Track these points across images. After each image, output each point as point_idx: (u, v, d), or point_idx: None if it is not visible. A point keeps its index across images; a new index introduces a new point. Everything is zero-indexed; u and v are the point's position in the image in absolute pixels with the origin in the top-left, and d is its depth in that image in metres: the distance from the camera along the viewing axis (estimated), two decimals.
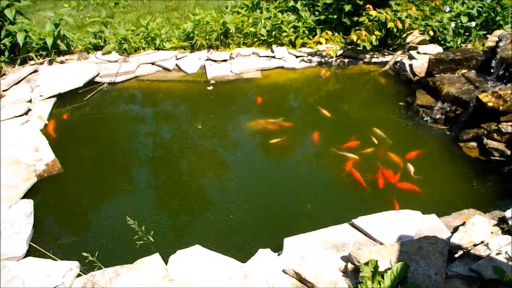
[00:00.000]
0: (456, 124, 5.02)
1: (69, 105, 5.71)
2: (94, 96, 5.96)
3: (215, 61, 6.88)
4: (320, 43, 6.84)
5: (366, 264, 2.73)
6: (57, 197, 4.12)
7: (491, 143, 4.51)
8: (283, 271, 3.02)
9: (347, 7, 6.75)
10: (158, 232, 3.48)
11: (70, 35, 6.90)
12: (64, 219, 3.94)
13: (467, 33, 6.79)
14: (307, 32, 7.26)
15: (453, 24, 6.74)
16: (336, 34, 7.06)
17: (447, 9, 6.98)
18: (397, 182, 4.18)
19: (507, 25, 6.66)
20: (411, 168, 4.38)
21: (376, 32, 6.54)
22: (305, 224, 3.62)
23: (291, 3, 7.52)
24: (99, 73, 6.35)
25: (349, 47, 7.06)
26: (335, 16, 7.09)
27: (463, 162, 4.52)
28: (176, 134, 5.23)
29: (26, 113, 5.22)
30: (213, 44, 7.20)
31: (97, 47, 7.07)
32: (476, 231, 3.09)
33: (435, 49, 6.59)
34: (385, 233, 3.28)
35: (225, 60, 6.89)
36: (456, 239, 3.03)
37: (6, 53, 6.34)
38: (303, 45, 7.22)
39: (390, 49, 7.10)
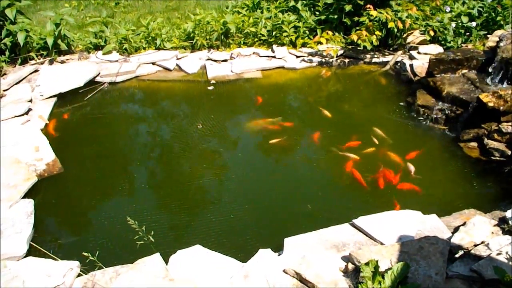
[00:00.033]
0: (456, 124, 5.01)
1: (70, 105, 5.71)
2: (94, 96, 5.96)
3: (215, 61, 6.88)
4: (320, 43, 6.84)
5: (367, 264, 2.73)
6: (58, 197, 4.12)
7: (492, 143, 4.51)
8: (284, 271, 3.02)
9: (348, 7, 6.75)
10: (159, 232, 3.48)
11: (70, 34, 6.90)
12: (64, 219, 3.94)
13: (467, 33, 6.79)
14: (307, 32, 7.26)
15: (453, 24, 6.73)
16: (336, 34, 7.05)
17: (448, 9, 6.98)
18: (398, 183, 4.17)
19: (507, 25, 6.66)
20: (411, 168, 4.38)
21: (377, 32, 6.54)
22: (305, 224, 3.62)
23: (292, 3, 7.52)
24: (99, 73, 6.35)
25: (350, 47, 7.06)
26: (335, 16, 7.09)
27: (463, 162, 4.52)
28: (176, 134, 5.23)
29: (26, 113, 5.22)
30: (214, 44, 7.20)
31: (97, 47, 7.07)
32: (477, 231, 3.09)
33: (435, 49, 6.59)
34: (385, 233, 3.28)
35: (225, 60, 6.89)
36: (456, 239, 3.03)
37: (7, 53, 6.34)
38: (304, 45, 7.22)
39: (391, 49, 7.10)
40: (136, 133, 5.29)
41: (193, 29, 7.17)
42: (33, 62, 6.51)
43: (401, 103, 5.65)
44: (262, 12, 7.50)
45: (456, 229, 3.25)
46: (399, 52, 6.87)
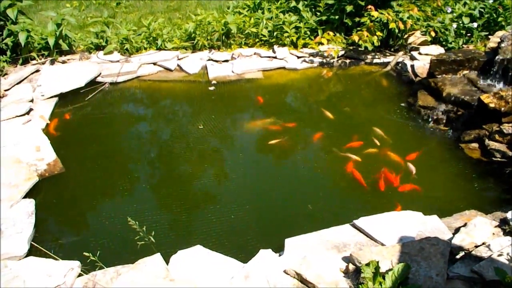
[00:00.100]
0: (457, 125, 5.01)
1: (71, 105, 5.71)
2: (95, 96, 5.97)
3: (216, 61, 6.88)
4: (321, 43, 6.84)
5: (367, 265, 2.72)
6: (59, 197, 4.13)
7: (493, 144, 4.51)
8: (284, 271, 3.02)
9: (349, 8, 6.75)
10: (159, 232, 3.48)
11: (72, 35, 6.91)
12: (65, 218, 3.95)
13: (468, 34, 6.79)
14: (308, 32, 7.26)
15: (454, 25, 6.73)
16: (337, 34, 7.05)
17: (449, 10, 6.98)
18: (399, 185, 4.16)
19: (509, 26, 6.65)
20: (412, 169, 4.37)
21: (378, 33, 6.54)
22: (306, 224, 3.62)
23: (293, 4, 7.52)
24: (100, 73, 6.36)
25: (351, 47, 7.06)
26: (336, 17, 7.09)
27: (464, 163, 4.52)
28: (177, 134, 5.23)
29: (27, 113, 5.22)
30: (215, 44, 7.20)
31: (99, 47, 7.08)
32: (478, 232, 3.09)
33: (436, 50, 6.59)
34: (386, 234, 3.28)
35: (226, 61, 6.89)
36: (457, 240, 3.03)
37: (8, 53, 6.35)
38: (305, 45, 7.22)
39: (392, 50, 7.10)
40: (137, 133, 5.30)
41: (194, 29, 7.17)
42: (34, 62, 6.52)
43: (402, 104, 5.65)
44: (263, 13, 7.50)
45: (457, 230, 3.25)
46: (400, 53, 6.87)
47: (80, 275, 3.07)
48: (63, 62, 6.65)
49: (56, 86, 5.82)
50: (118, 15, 8.90)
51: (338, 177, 4.44)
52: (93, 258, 2.91)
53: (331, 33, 6.93)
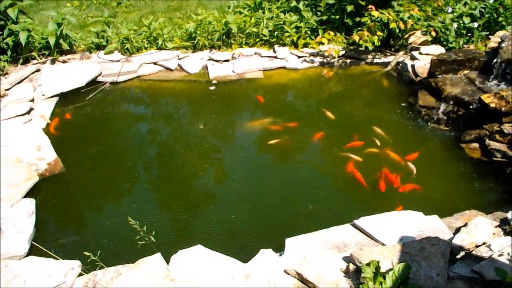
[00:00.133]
0: (458, 125, 5.01)
1: (71, 105, 5.72)
2: (96, 96, 5.97)
3: (217, 61, 6.89)
4: (322, 43, 6.84)
5: (368, 264, 2.72)
6: (59, 196, 4.13)
7: (493, 144, 4.51)
8: (285, 271, 3.02)
9: (349, 8, 6.75)
10: (160, 232, 3.48)
11: (72, 34, 6.91)
12: (66, 218, 3.95)
13: (469, 34, 6.78)
14: (309, 32, 7.25)
15: (455, 25, 6.72)
16: (338, 34, 7.05)
17: (450, 9, 6.97)
18: (400, 185, 4.15)
19: (509, 26, 6.65)
20: (413, 168, 4.37)
21: (378, 33, 6.54)
22: (306, 224, 3.62)
23: (294, 4, 7.52)
24: (101, 73, 6.36)
25: (351, 47, 7.06)
26: (337, 17, 7.09)
27: (465, 163, 4.52)
28: (178, 134, 5.23)
29: (28, 112, 5.23)
30: (215, 44, 7.20)
31: (99, 47, 7.08)
32: (478, 232, 3.09)
33: (437, 49, 6.59)
34: (387, 233, 3.28)
35: (227, 60, 6.89)
36: (458, 240, 3.03)
37: (9, 52, 6.35)
38: (305, 45, 7.22)
39: (392, 49, 7.09)
40: (137, 133, 5.30)
41: (195, 29, 7.17)
42: (35, 61, 6.52)
43: (403, 104, 5.65)
44: (263, 13, 7.50)
45: (457, 230, 3.25)
46: (401, 53, 6.87)
47: (80, 274, 3.07)
48: (64, 61, 6.65)
49: (56, 86, 5.83)
50: (118, 14, 8.90)
51: (339, 177, 4.45)
52: (94, 258, 2.91)
53: (331, 33, 6.92)
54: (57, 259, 3.18)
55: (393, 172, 4.30)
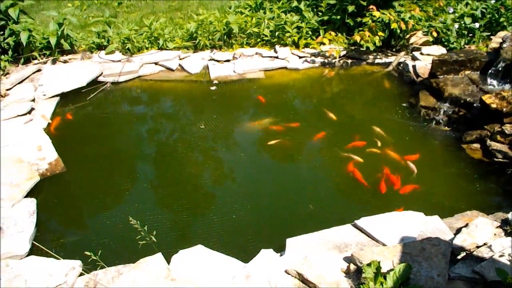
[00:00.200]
0: (459, 125, 5.01)
1: (72, 105, 5.72)
2: (97, 96, 5.97)
3: (218, 61, 6.89)
4: (323, 43, 6.84)
5: (369, 265, 2.72)
6: (60, 196, 4.13)
7: (494, 145, 4.50)
8: (286, 271, 3.02)
9: (351, 8, 6.75)
10: (161, 232, 3.48)
11: (73, 34, 6.92)
12: (66, 218, 3.95)
13: (470, 34, 6.78)
14: (310, 32, 7.25)
15: (456, 25, 6.72)
16: (339, 34, 7.05)
17: (451, 10, 6.97)
18: (401, 186, 4.15)
19: (510, 26, 6.64)
20: (414, 169, 4.37)
21: (380, 33, 6.54)
22: (307, 224, 3.62)
23: (295, 4, 7.52)
24: (102, 73, 6.36)
25: (353, 47, 7.06)
26: (338, 17, 7.08)
27: (466, 164, 4.51)
28: (179, 134, 5.23)
29: (29, 112, 5.23)
30: (216, 44, 7.20)
31: (100, 47, 7.08)
32: (479, 232, 3.08)
33: (438, 50, 6.58)
34: (387, 234, 3.28)
35: (228, 60, 6.90)
36: (459, 241, 3.03)
37: (10, 52, 6.36)
38: (306, 45, 7.21)
39: (394, 50, 7.09)
40: (138, 133, 5.30)
41: (196, 29, 7.17)
42: (36, 61, 6.53)
43: (404, 104, 5.65)
44: (265, 13, 7.50)
45: (458, 231, 3.24)
46: (402, 53, 6.86)
47: (81, 274, 3.07)
48: (65, 61, 6.65)
49: (57, 86, 5.83)
50: (119, 14, 8.91)
51: (340, 177, 4.44)
52: (95, 258, 2.92)
53: (332, 33, 6.93)
54: (58, 259, 3.19)
55: (394, 172, 4.30)
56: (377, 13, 6.37)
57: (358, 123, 5.34)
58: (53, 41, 6.39)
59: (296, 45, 7.23)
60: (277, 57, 6.96)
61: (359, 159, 4.52)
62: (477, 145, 4.68)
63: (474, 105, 4.88)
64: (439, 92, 5.33)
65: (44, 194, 4.07)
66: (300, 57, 6.99)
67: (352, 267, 2.94)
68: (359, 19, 6.78)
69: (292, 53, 7.07)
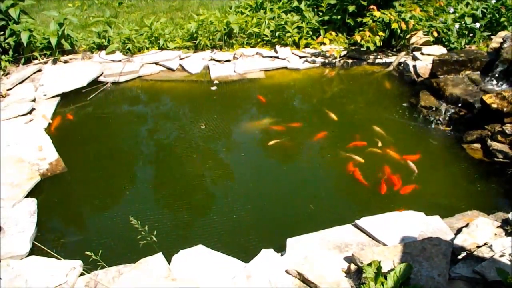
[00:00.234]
0: (459, 125, 5.00)
1: (73, 105, 5.72)
2: (97, 96, 5.97)
3: (218, 61, 6.89)
4: (324, 43, 6.84)
5: (369, 265, 2.72)
6: (61, 196, 4.13)
7: (495, 145, 4.50)
8: (286, 271, 3.02)
9: (351, 8, 6.74)
10: (161, 232, 3.49)
11: (74, 34, 6.92)
12: (67, 218, 3.96)
13: (471, 34, 6.77)
14: (311, 32, 7.24)
15: (457, 25, 6.71)
16: (340, 34, 7.05)
17: (451, 10, 6.96)
18: (401, 187, 4.14)
19: (511, 26, 6.64)
20: (414, 169, 4.37)
21: (380, 33, 6.54)
22: (308, 224, 3.61)
23: (295, 4, 7.51)
24: (102, 73, 6.36)
25: (353, 47, 7.05)
26: (339, 17, 7.08)
27: (466, 164, 4.51)
28: (179, 134, 5.23)
29: (30, 112, 5.24)
30: (217, 44, 7.20)
31: (101, 47, 7.08)
32: (480, 232, 3.08)
33: (439, 50, 6.58)
34: (388, 234, 3.28)
35: (228, 60, 6.90)
36: (459, 241, 3.03)
37: (10, 52, 6.36)
38: (307, 45, 7.21)
39: (394, 50, 7.09)
40: (139, 133, 5.30)
41: (196, 29, 7.17)
42: (36, 61, 6.53)
43: (404, 104, 5.64)
44: (265, 13, 7.50)
45: (459, 231, 3.24)
46: (403, 53, 6.86)
47: (82, 274, 3.07)
48: (65, 61, 6.66)
49: (58, 86, 5.83)
50: (120, 15, 8.91)
51: (340, 177, 4.45)
52: (95, 258, 2.92)
53: (333, 33, 6.93)
54: (58, 258, 3.19)
55: (394, 172, 4.30)
56: (377, 13, 6.37)
57: (359, 123, 5.34)
58: (53, 41, 6.39)
59: (296, 45, 7.22)
60: (277, 57, 6.96)
61: (360, 159, 4.52)
62: (477, 145, 4.68)
63: (475, 105, 4.88)
64: (439, 92, 5.33)
65: (45, 194, 4.07)
66: (300, 57, 6.98)
67: (353, 267, 2.94)
68: (359, 19, 6.78)
69: (293, 53, 7.06)
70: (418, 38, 6.98)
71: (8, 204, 3.70)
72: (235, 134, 5.22)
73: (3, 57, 6.22)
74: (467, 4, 7.08)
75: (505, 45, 5.17)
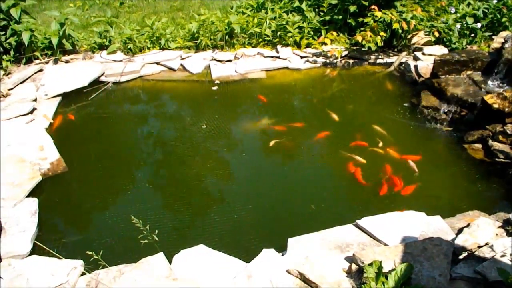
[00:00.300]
0: (461, 125, 5.00)
1: (74, 104, 5.73)
2: (99, 96, 5.98)
3: (220, 61, 6.89)
4: (325, 43, 6.84)
5: (370, 265, 2.72)
6: (62, 196, 4.14)
7: (496, 145, 4.50)
8: (287, 271, 3.02)
9: (352, 8, 6.74)
10: (162, 231, 3.48)
11: (75, 34, 6.93)
12: (68, 217, 3.96)
13: (472, 34, 6.77)
14: (312, 32, 7.25)
15: (458, 25, 6.71)
16: (341, 34, 7.05)
17: (453, 10, 6.95)
18: (402, 187, 4.14)
19: None
20: (415, 169, 4.36)
21: (381, 33, 6.53)
22: (309, 224, 3.62)
23: (296, 4, 7.51)
24: (104, 73, 6.37)
25: (354, 47, 7.05)
26: (340, 17, 7.08)
27: (467, 164, 4.51)
28: (180, 133, 5.23)
29: (31, 112, 5.24)
30: (218, 44, 7.21)
31: (102, 47, 7.09)
32: (481, 232, 3.08)
33: (440, 50, 6.57)
34: (389, 234, 3.28)
35: (230, 60, 6.90)
36: (460, 241, 3.02)
37: (12, 52, 6.36)
38: (308, 45, 7.21)
39: (395, 50, 7.08)
40: (140, 133, 5.31)
41: (198, 29, 7.17)
42: (37, 61, 6.53)
43: (406, 104, 5.64)
44: (266, 13, 7.50)
45: (460, 231, 3.24)
46: (404, 53, 6.86)
47: (83, 274, 3.08)
48: (67, 61, 6.66)
49: (59, 86, 5.84)
50: (121, 14, 8.92)
51: (341, 177, 4.44)
52: (96, 257, 2.92)
53: (334, 33, 6.93)
54: (59, 258, 3.19)
55: (395, 172, 4.30)
56: (378, 13, 6.37)
57: (360, 123, 5.33)
58: (55, 41, 6.40)
59: (297, 45, 7.22)
60: (278, 57, 6.96)
61: (361, 159, 4.52)
62: (478, 145, 4.68)
63: (476, 105, 4.88)
64: (441, 92, 5.33)
65: (46, 194, 4.08)
66: (301, 57, 6.98)
67: (354, 267, 2.94)
68: (360, 19, 6.78)
69: (294, 53, 7.06)
70: (419, 38, 6.98)
71: (9, 204, 3.70)
72: (236, 134, 5.22)
73: (4, 57, 6.22)
74: (469, 4, 7.07)
75: (506, 45, 5.17)
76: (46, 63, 6.54)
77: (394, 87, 6.23)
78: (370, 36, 6.48)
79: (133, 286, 2.91)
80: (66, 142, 4.84)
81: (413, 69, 6.33)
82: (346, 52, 6.98)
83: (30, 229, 3.46)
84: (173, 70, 6.64)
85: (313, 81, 6.56)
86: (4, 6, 6.20)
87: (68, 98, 5.77)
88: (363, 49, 6.90)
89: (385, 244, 3.19)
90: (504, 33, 5.72)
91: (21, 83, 5.95)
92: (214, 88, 6.21)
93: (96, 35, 7.17)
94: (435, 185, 4.23)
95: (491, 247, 2.91)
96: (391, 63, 6.74)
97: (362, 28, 6.73)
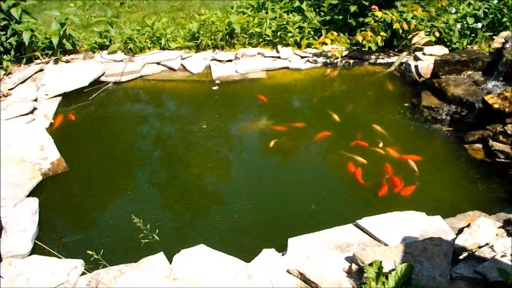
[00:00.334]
0: (461, 125, 5.00)
1: (75, 104, 5.73)
2: (99, 96, 5.98)
3: (220, 61, 6.88)
4: (325, 43, 6.84)
5: (371, 265, 2.72)
6: (62, 196, 4.14)
7: (497, 145, 4.49)
8: (288, 271, 3.02)
9: (353, 8, 6.74)
10: (163, 231, 3.47)
11: (75, 34, 6.93)
12: (69, 217, 3.96)
13: (473, 35, 6.76)
14: (312, 32, 7.25)
15: (459, 25, 6.70)
16: (341, 34, 7.04)
17: (453, 10, 6.95)
18: (403, 187, 4.14)
19: None
20: (415, 169, 4.36)
21: (382, 33, 6.53)
22: (309, 224, 3.62)
23: (297, 4, 7.51)
24: (104, 73, 6.37)
25: (355, 47, 7.05)
26: (340, 17, 7.08)
27: (468, 164, 4.51)
28: (181, 133, 5.23)
29: (31, 112, 5.25)
30: (219, 44, 7.20)
31: (102, 47, 7.09)
32: (481, 233, 3.08)
33: (440, 50, 6.57)
34: (389, 234, 3.28)
35: (230, 60, 6.89)
36: (460, 241, 3.02)
37: (12, 52, 6.36)
38: (309, 45, 7.21)
39: (396, 50, 7.08)
40: (140, 133, 5.31)
41: (198, 29, 7.17)
42: (38, 61, 6.53)
43: (406, 104, 5.64)
44: (267, 13, 7.50)
45: (460, 231, 3.24)
46: (404, 53, 6.86)
47: (83, 273, 3.08)
48: (67, 61, 6.66)
49: (60, 85, 5.84)
50: (121, 14, 8.91)
51: (342, 177, 4.44)
52: (97, 257, 2.92)
53: (334, 33, 6.92)
54: (60, 258, 3.19)
55: (396, 172, 4.30)
56: (379, 13, 6.37)
57: (360, 123, 5.33)
58: (55, 41, 6.40)
59: (298, 45, 7.22)
60: (279, 57, 6.96)
61: (361, 159, 4.52)
62: (479, 145, 4.68)
63: (476, 105, 4.88)
64: (441, 92, 5.33)
65: (46, 194, 4.08)
66: (302, 57, 6.98)
67: (354, 267, 2.94)
68: (361, 19, 6.77)
69: (294, 53, 7.06)
70: (420, 38, 6.97)
71: (10, 204, 3.70)
72: (237, 134, 5.22)
73: (5, 56, 6.22)
74: (469, 4, 7.06)
75: (507, 45, 5.17)
76: (47, 63, 6.54)
77: (395, 87, 6.23)
78: (371, 36, 6.47)
79: (134, 286, 2.91)
80: (67, 142, 4.84)
81: (413, 69, 6.33)
82: (346, 52, 6.98)
83: (31, 229, 3.46)
84: (174, 70, 6.64)
85: (313, 81, 6.56)
86: (4, 6, 6.21)
87: (68, 98, 5.77)
88: (363, 49, 6.90)
89: (386, 244, 3.19)
90: (504, 33, 5.72)
91: (21, 83, 5.95)
92: (215, 88, 6.21)
93: (97, 35, 7.17)
94: (436, 185, 4.23)
95: (492, 247, 2.91)
96: (392, 63, 6.73)
97: (362, 28, 6.72)
